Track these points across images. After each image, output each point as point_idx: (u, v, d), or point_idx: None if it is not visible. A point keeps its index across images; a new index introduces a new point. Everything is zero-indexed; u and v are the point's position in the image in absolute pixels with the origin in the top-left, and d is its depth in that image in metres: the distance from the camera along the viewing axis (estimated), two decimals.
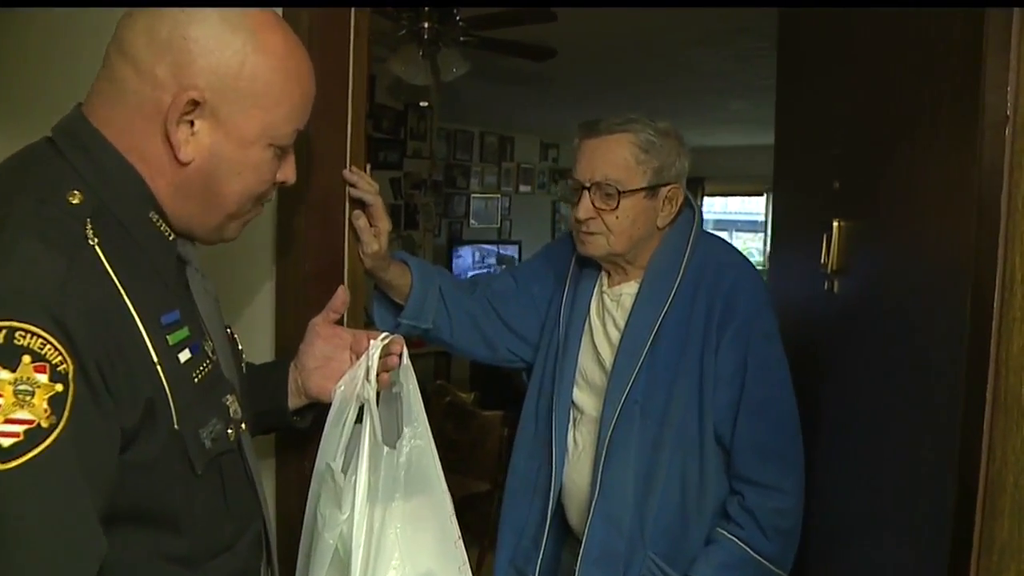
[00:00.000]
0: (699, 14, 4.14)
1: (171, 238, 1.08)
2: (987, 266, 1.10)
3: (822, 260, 1.75)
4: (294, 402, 1.44)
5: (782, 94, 2.33)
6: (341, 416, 1.37)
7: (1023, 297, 1.06)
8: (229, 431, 1.10)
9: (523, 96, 6.73)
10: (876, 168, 1.54)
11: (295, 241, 1.60)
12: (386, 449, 1.33)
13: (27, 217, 0.92)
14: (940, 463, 1.24)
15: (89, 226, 0.95)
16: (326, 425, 1.38)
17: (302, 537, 1.41)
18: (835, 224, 1.71)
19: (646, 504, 1.76)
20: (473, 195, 8.90)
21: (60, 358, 0.85)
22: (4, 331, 0.83)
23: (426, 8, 3.97)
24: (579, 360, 1.89)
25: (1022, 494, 1.05)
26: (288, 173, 1.18)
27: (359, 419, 1.37)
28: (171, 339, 1.02)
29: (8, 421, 0.82)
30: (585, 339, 1.90)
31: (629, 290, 1.85)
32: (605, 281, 1.90)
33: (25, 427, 0.82)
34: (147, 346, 0.97)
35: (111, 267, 0.95)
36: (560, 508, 1.92)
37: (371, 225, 1.67)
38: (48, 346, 0.84)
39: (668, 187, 1.78)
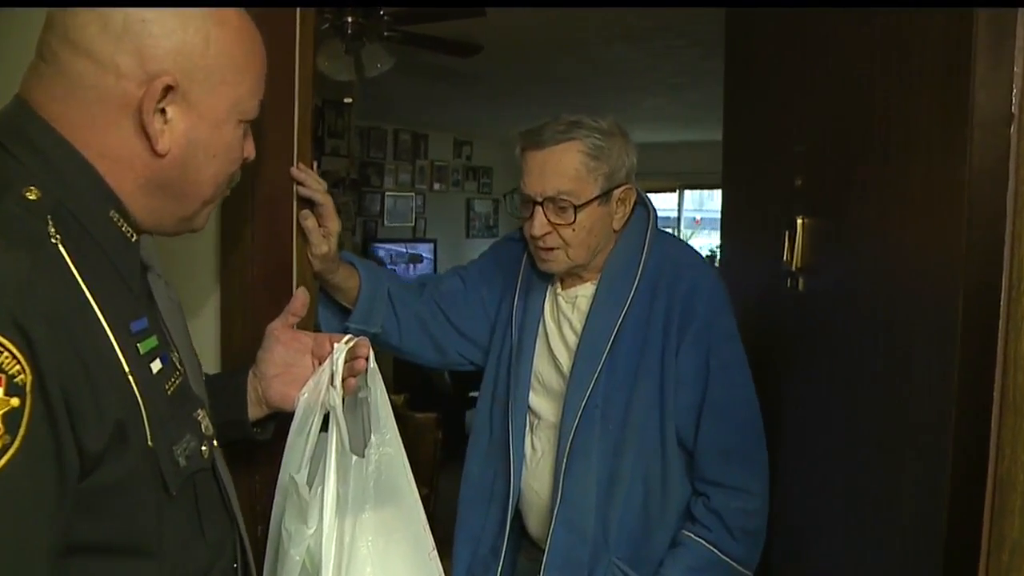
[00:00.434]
0: (620, 10, 4.15)
1: (133, 239, 1.00)
2: (980, 265, 1.10)
3: (784, 257, 1.75)
4: (254, 412, 1.36)
5: (730, 91, 2.32)
6: (305, 425, 1.30)
7: None
8: (203, 448, 1.02)
9: (439, 93, 6.66)
10: (846, 165, 1.54)
11: (241, 243, 1.52)
12: (354, 458, 1.27)
13: None
14: (925, 464, 1.24)
15: (50, 223, 0.87)
16: (289, 435, 1.31)
17: (267, 554, 1.35)
18: (798, 221, 1.70)
19: (609, 509, 1.74)
20: (387, 193, 8.79)
21: (17, 368, 0.76)
22: None
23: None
24: (535, 364, 1.85)
25: None
26: (250, 149, 1.12)
27: (324, 427, 1.30)
28: (142, 348, 0.94)
29: None
30: (540, 343, 1.86)
31: (585, 292, 1.82)
32: (559, 283, 1.86)
33: None
34: (117, 356, 0.89)
35: (75, 268, 0.87)
36: (518, 515, 1.88)
37: (320, 226, 1.60)
38: (5, 354, 0.75)
39: (620, 188, 1.75)
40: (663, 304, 1.74)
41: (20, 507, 0.77)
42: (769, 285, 1.92)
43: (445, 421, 4.10)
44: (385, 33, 4.07)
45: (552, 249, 1.73)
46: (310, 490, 1.26)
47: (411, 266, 8.80)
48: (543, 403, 1.85)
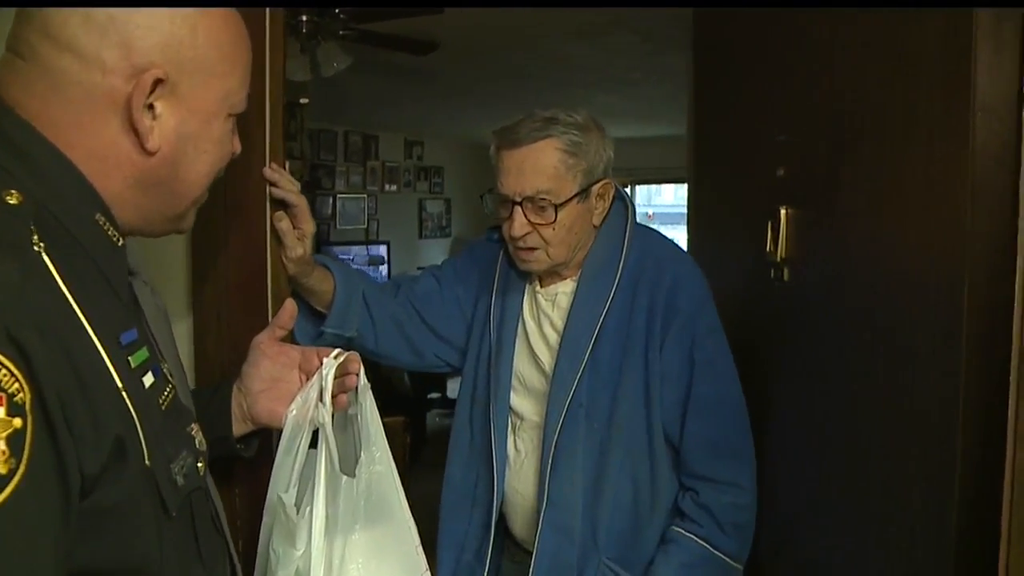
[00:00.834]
0: (576, 7, 4.12)
1: (120, 243, 0.95)
2: (985, 252, 1.08)
3: (767, 248, 1.73)
4: (239, 429, 1.30)
5: (700, 83, 2.30)
6: (294, 443, 1.24)
7: None
8: (199, 464, 0.96)
9: (392, 93, 6.59)
10: (834, 153, 1.51)
11: (213, 248, 1.46)
12: (344, 478, 1.22)
13: None
14: (931, 456, 1.22)
15: (34, 229, 0.81)
16: (277, 453, 1.26)
17: None
18: (782, 211, 1.68)
19: (597, 510, 1.70)
20: (339, 195, 8.69)
21: (16, 385, 0.70)
22: None
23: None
24: (515, 364, 1.81)
25: None
26: (237, 144, 1.08)
27: (312, 444, 1.25)
28: (133, 361, 0.88)
29: None
30: (520, 342, 1.82)
31: (565, 289, 1.78)
32: (538, 281, 1.82)
33: None
34: (109, 371, 0.83)
35: (60, 277, 0.81)
36: (502, 518, 1.84)
37: (295, 227, 1.55)
38: (3, 371, 0.70)
39: (599, 184, 1.71)
40: (645, 299, 1.71)
41: (30, 532, 0.72)
42: (750, 276, 1.90)
43: (414, 425, 4.04)
44: (341, 31, 3.99)
45: (533, 249, 1.69)
46: (298, 510, 1.21)
47: (371, 268, 8.69)
48: (525, 403, 1.81)
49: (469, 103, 6.91)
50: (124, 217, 0.96)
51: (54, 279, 0.80)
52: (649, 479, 1.71)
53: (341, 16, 3.89)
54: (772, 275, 1.77)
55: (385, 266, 8.91)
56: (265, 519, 1.28)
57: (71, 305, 0.81)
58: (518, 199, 1.65)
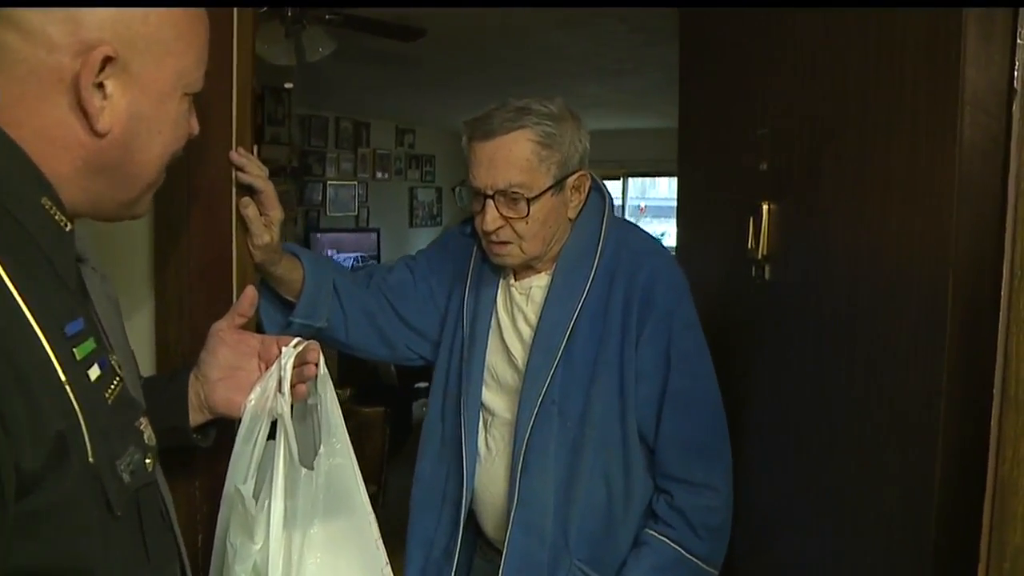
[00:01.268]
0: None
1: (68, 228, 0.91)
2: (971, 250, 1.04)
3: (748, 244, 1.68)
4: (196, 418, 1.27)
5: (686, 74, 2.26)
6: (252, 433, 1.22)
7: None
8: (147, 460, 0.92)
9: (380, 79, 6.55)
10: (816, 147, 1.47)
11: (177, 233, 1.43)
12: (304, 470, 1.19)
13: None
14: (912, 463, 1.18)
15: None
16: (235, 443, 1.23)
17: (211, 569, 1.27)
18: (764, 207, 1.64)
19: (568, 510, 1.66)
20: (329, 182, 8.64)
21: None
22: None
23: None
24: (487, 358, 1.77)
25: None
26: (195, 124, 1.04)
27: (271, 435, 1.22)
28: (78, 353, 0.84)
29: None
30: (493, 336, 1.77)
31: (539, 283, 1.74)
32: (512, 274, 1.78)
33: None
34: (52, 363, 0.79)
35: (0, 264, 0.78)
36: (472, 516, 1.80)
37: (261, 214, 1.51)
38: None
39: (574, 176, 1.67)
40: (621, 294, 1.67)
41: None
42: (731, 273, 1.86)
43: (393, 414, 4.00)
44: (326, 16, 3.94)
45: (505, 243, 1.65)
46: (256, 502, 1.18)
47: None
48: (497, 399, 1.77)
49: (460, 92, 6.86)
50: (73, 201, 0.92)
51: None
52: (623, 479, 1.67)
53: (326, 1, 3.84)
54: (753, 273, 1.72)
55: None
56: (222, 510, 1.26)
57: (11, 293, 0.78)
58: (490, 192, 1.61)
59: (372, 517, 1.28)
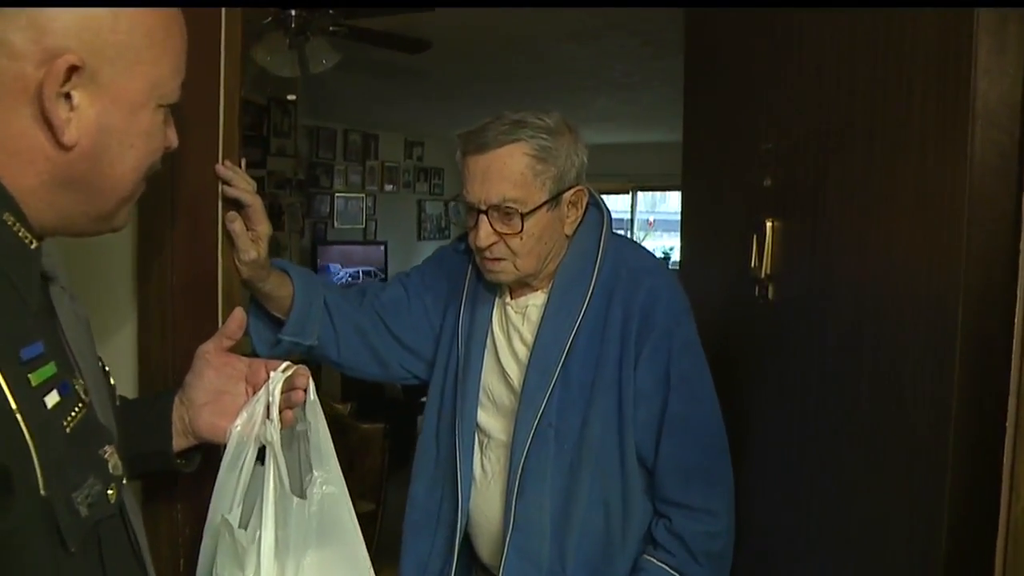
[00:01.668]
0: (571, 8, 4.05)
1: (33, 246, 0.86)
2: (982, 271, 1.00)
3: (752, 263, 1.63)
4: (180, 443, 1.22)
5: (691, 88, 2.22)
6: (238, 460, 1.18)
7: None
8: (109, 491, 0.87)
9: (387, 91, 6.55)
10: (822, 163, 1.43)
11: (160, 248, 1.39)
12: (296, 499, 1.15)
13: None
14: (920, 493, 1.13)
15: None
16: (220, 471, 1.19)
17: None
18: (767, 224, 1.59)
19: (565, 534, 1.62)
20: (337, 194, 8.63)
21: None
22: None
23: None
24: (483, 379, 1.72)
25: None
26: (173, 137, 1.00)
27: (259, 459, 1.19)
28: (34, 379, 0.80)
29: None
30: (488, 356, 1.73)
31: (536, 301, 1.69)
32: (508, 292, 1.73)
33: None
34: (3, 391, 0.75)
35: None
36: (467, 540, 1.75)
37: (248, 229, 1.47)
38: None
39: (570, 191, 1.62)
40: (619, 313, 1.62)
41: None
42: (733, 293, 1.81)
43: (395, 429, 3.95)
44: (331, 28, 3.91)
45: (499, 260, 1.61)
46: (246, 532, 1.15)
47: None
48: (492, 421, 1.72)
49: (469, 105, 6.84)
50: (39, 217, 0.88)
51: None
52: (621, 503, 1.63)
53: (331, 12, 3.81)
54: (756, 292, 1.67)
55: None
56: (206, 541, 1.21)
57: None
58: (483, 207, 1.57)
59: (363, 546, 1.23)
